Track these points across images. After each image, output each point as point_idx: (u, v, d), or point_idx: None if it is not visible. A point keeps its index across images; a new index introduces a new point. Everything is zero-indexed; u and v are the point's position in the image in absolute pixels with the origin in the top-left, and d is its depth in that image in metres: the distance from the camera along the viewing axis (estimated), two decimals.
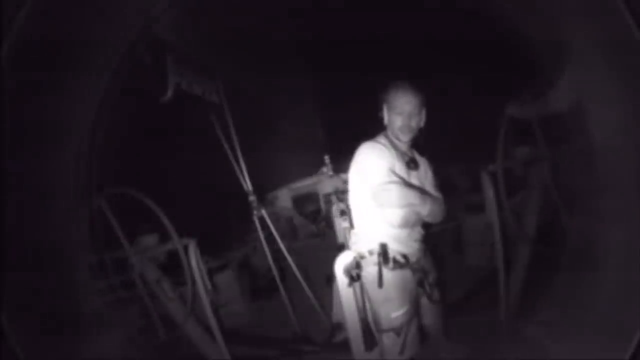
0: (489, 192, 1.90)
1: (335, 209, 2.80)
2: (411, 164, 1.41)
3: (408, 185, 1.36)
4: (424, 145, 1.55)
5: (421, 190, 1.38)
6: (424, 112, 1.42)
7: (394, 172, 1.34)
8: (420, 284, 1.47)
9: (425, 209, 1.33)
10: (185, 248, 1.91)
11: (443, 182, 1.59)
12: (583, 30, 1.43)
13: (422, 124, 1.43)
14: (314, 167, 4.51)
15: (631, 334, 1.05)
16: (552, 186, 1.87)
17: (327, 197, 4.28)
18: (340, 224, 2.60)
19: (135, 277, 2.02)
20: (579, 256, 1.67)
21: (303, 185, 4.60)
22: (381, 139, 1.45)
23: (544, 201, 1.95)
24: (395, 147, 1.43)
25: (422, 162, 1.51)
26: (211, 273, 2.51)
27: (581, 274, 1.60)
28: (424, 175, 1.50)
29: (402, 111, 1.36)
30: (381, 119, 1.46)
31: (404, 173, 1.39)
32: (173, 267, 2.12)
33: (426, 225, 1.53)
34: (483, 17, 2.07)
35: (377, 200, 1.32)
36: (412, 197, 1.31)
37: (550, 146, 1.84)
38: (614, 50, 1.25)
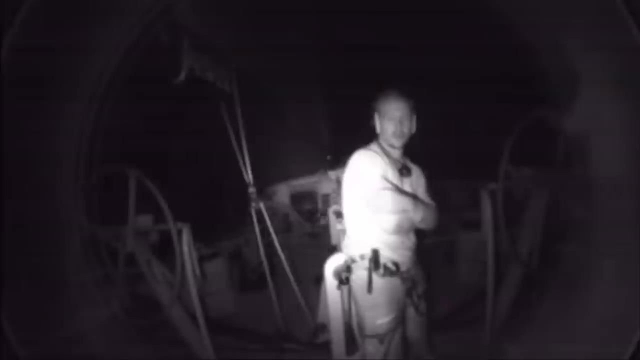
0: (487, 211, 1.90)
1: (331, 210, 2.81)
2: (404, 171, 1.45)
3: (401, 191, 1.38)
4: (421, 158, 1.57)
5: (414, 197, 1.39)
6: (414, 119, 1.45)
7: (386, 179, 1.36)
8: (408, 293, 1.47)
9: (418, 215, 1.34)
10: (179, 232, 1.91)
11: (440, 196, 1.60)
12: (595, 61, 1.44)
13: (413, 130, 1.46)
14: (316, 166, 4.52)
15: None
16: (550, 211, 1.87)
17: (326, 197, 4.29)
18: (335, 225, 2.61)
19: (126, 256, 2.02)
20: (570, 282, 1.67)
21: (303, 183, 4.60)
22: (374, 146, 1.49)
23: (540, 225, 1.95)
24: (387, 154, 1.45)
25: (415, 170, 1.54)
26: (202, 260, 2.51)
27: (570, 300, 1.60)
28: (416, 183, 1.52)
29: (393, 117, 1.40)
30: (373, 128, 1.50)
31: (396, 180, 1.41)
32: (164, 251, 2.12)
33: (420, 236, 1.54)
34: (492, 40, 2.10)
35: (371, 206, 1.34)
36: (405, 203, 1.32)
37: (551, 172, 1.84)
38: (624, 82, 1.25)
